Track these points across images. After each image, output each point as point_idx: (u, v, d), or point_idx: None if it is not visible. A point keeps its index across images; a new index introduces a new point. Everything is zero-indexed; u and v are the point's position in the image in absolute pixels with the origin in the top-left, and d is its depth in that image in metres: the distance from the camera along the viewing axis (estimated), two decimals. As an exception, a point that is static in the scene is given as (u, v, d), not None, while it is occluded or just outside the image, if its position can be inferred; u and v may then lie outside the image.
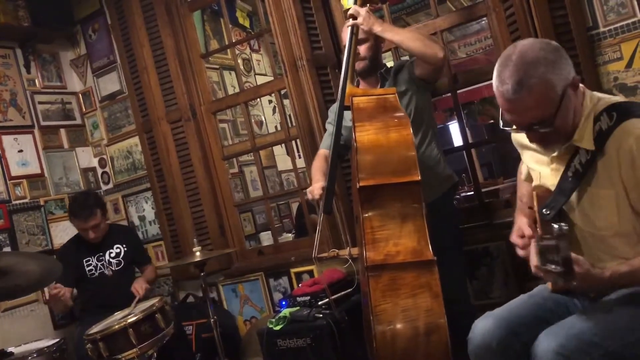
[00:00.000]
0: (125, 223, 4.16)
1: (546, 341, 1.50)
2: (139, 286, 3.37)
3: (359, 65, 2.56)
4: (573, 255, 1.40)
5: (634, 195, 1.52)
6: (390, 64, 2.76)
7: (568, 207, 1.67)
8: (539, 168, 1.77)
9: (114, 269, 3.50)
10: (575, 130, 1.59)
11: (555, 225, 1.36)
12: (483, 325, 1.69)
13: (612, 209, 1.57)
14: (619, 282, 1.53)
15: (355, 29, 2.40)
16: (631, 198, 1.53)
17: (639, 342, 1.48)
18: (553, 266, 1.36)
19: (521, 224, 1.75)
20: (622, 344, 1.47)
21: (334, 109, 2.66)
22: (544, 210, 1.64)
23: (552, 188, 1.68)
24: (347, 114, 2.33)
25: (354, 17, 2.39)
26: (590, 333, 1.47)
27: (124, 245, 3.56)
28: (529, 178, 1.87)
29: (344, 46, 2.45)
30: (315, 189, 2.40)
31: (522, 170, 1.94)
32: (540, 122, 1.52)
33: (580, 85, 1.63)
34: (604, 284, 1.51)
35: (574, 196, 1.64)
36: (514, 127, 1.58)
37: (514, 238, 1.74)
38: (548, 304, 1.73)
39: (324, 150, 2.69)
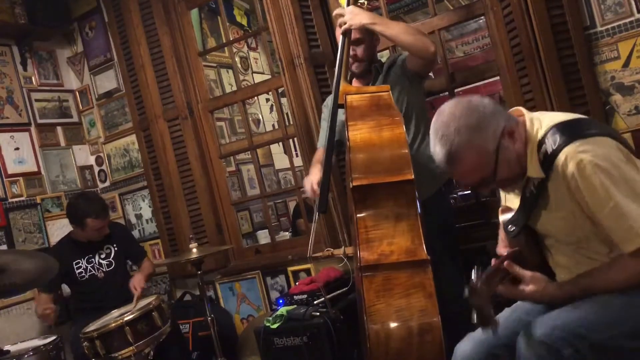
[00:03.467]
0: (122, 221, 4.15)
1: (532, 330, 1.53)
2: (137, 283, 3.29)
3: (359, 67, 2.55)
4: (529, 273, 1.58)
5: (589, 214, 1.52)
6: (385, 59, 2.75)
7: (533, 223, 1.70)
8: (504, 192, 1.84)
9: (105, 270, 3.43)
10: (525, 166, 1.61)
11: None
12: (463, 351, 1.77)
13: (571, 225, 1.58)
14: (571, 294, 1.57)
15: (348, 31, 2.39)
16: (587, 214, 1.54)
17: (627, 334, 1.49)
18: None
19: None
20: (607, 336, 1.48)
21: (327, 103, 2.64)
22: (508, 227, 1.71)
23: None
24: (342, 110, 2.32)
25: (342, 16, 2.36)
26: (576, 325, 1.49)
27: (115, 245, 3.49)
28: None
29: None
30: (309, 185, 2.38)
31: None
32: (482, 181, 1.59)
33: (520, 108, 1.66)
34: (560, 297, 1.57)
35: (534, 215, 1.67)
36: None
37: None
38: (529, 318, 1.71)
39: (322, 148, 2.67)
